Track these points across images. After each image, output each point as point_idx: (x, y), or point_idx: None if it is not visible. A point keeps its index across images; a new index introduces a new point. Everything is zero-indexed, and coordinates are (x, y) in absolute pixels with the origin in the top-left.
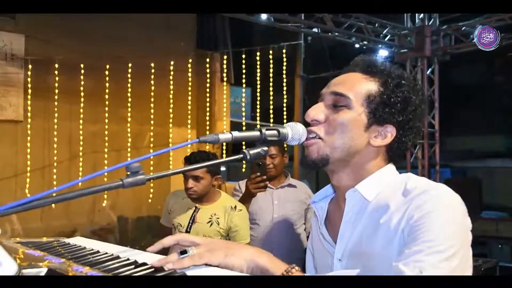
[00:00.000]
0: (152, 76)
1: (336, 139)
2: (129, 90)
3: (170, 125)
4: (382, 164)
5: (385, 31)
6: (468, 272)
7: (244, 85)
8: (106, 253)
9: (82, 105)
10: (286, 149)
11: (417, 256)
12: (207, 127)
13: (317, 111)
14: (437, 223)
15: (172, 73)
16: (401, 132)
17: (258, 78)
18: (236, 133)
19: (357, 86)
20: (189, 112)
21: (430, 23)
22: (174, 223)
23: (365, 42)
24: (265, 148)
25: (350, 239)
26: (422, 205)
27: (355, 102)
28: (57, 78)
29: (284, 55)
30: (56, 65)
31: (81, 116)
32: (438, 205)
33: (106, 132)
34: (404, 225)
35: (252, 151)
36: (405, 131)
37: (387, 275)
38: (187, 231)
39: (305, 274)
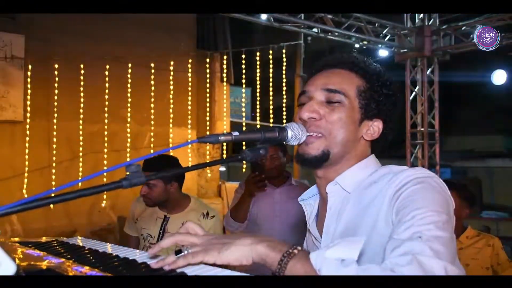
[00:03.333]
0: (152, 76)
1: (336, 134)
2: (129, 90)
3: (170, 125)
4: (364, 157)
5: (385, 31)
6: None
7: (244, 85)
8: (106, 253)
9: (82, 105)
10: (287, 149)
11: (412, 226)
12: (207, 127)
13: (312, 109)
14: (422, 196)
15: (172, 73)
16: (385, 125)
17: (258, 78)
18: (236, 133)
19: (348, 83)
20: (189, 112)
21: (430, 23)
22: (143, 233)
23: (365, 42)
24: (265, 148)
25: (335, 232)
26: (402, 184)
27: (348, 98)
28: (57, 79)
29: (284, 55)
30: (56, 65)
31: (81, 116)
32: (417, 180)
33: (106, 132)
34: (389, 207)
35: (252, 151)
36: (389, 124)
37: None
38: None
39: (311, 253)
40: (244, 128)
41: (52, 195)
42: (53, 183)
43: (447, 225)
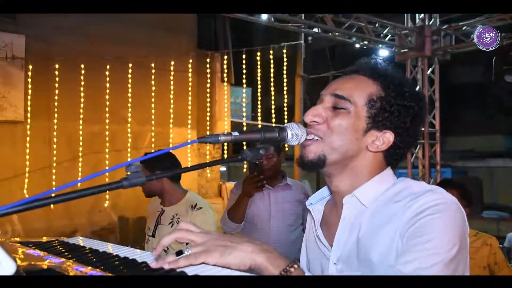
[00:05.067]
0: (153, 76)
1: (334, 140)
2: (130, 90)
3: (171, 125)
4: (379, 170)
5: (385, 31)
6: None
7: (244, 85)
8: (107, 253)
9: (82, 105)
10: (281, 149)
11: (416, 260)
12: (208, 127)
13: (316, 112)
14: (436, 228)
15: (172, 73)
16: (399, 138)
17: (258, 78)
18: (236, 134)
19: (359, 90)
20: (190, 112)
21: (430, 23)
22: (146, 228)
23: (366, 42)
24: (265, 148)
25: (346, 244)
26: (419, 210)
27: (355, 105)
28: (57, 79)
29: (284, 55)
30: (57, 66)
31: (81, 116)
32: (436, 209)
33: (107, 133)
34: (402, 230)
35: (251, 151)
36: (403, 137)
37: (386, 275)
38: (153, 234)
39: (305, 272)
40: (244, 128)
41: (53, 195)
42: (54, 183)
43: (453, 262)
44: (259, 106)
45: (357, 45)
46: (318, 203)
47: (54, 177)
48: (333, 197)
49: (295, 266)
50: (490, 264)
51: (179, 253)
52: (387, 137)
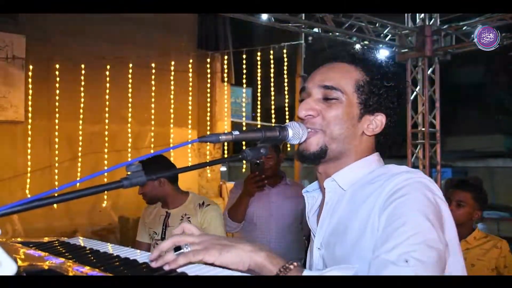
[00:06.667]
0: (153, 76)
1: (334, 130)
2: (130, 90)
3: (171, 125)
4: (363, 154)
5: (385, 31)
6: (458, 257)
7: (244, 85)
8: (107, 253)
9: (82, 105)
10: (281, 149)
11: (399, 245)
12: (208, 127)
13: (309, 106)
14: (408, 208)
15: (172, 73)
16: (390, 119)
17: (258, 78)
18: (236, 133)
19: (345, 78)
20: (190, 112)
21: (431, 23)
22: (151, 234)
23: (366, 42)
24: (266, 148)
25: (328, 228)
26: (393, 191)
27: (346, 94)
28: (57, 79)
29: (284, 55)
30: (57, 66)
31: (82, 116)
32: (407, 189)
33: (107, 133)
34: (380, 212)
35: (252, 151)
36: (393, 118)
37: (385, 275)
38: (162, 238)
39: (304, 270)
40: (244, 128)
41: (54, 195)
42: (56, 183)
43: (436, 241)
44: (259, 106)
45: (358, 45)
46: (314, 191)
47: (56, 177)
48: (319, 183)
49: (294, 264)
50: (498, 266)
51: (177, 249)
52: (380, 119)
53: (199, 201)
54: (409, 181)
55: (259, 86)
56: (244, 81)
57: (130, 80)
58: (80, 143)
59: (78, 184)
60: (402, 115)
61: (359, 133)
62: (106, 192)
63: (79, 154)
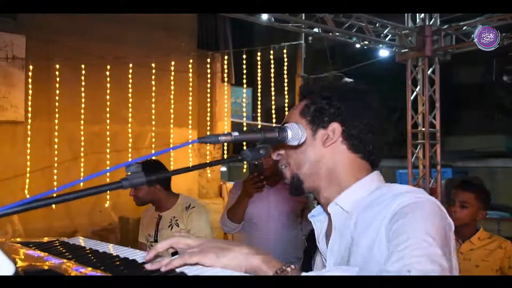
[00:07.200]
0: (153, 77)
1: (295, 159)
2: (130, 90)
3: (171, 125)
4: (360, 175)
5: (386, 31)
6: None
7: (245, 85)
8: (107, 253)
9: (83, 105)
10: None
11: (402, 259)
12: (208, 128)
13: (275, 150)
14: (412, 225)
15: (173, 73)
16: (347, 125)
17: (259, 78)
18: (236, 134)
19: (293, 113)
20: (190, 112)
21: (431, 23)
22: (146, 236)
23: (366, 42)
24: (265, 148)
25: (338, 252)
26: (396, 210)
27: (293, 125)
28: (58, 79)
29: (285, 55)
30: (57, 66)
31: (82, 116)
32: (411, 207)
33: (107, 133)
34: (386, 232)
35: (251, 152)
36: (350, 123)
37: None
38: (156, 240)
39: (302, 273)
40: (244, 129)
41: (54, 195)
42: (55, 183)
43: (439, 257)
44: (260, 106)
45: (358, 45)
46: (320, 215)
47: (55, 177)
48: (325, 210)
49: (292, 266)
50: (503, 267)
51: (174, 254)
52: (334, 127)
53: (186, 204)
54: (412, 200)
55: (259, 86)
56: (244, 81)
57: (130, 80)
58: (81, 144)
59: (81, 183)
60: (402, 115)
61: (322, 148)
62: (108, 192)
63: (80, 154)
